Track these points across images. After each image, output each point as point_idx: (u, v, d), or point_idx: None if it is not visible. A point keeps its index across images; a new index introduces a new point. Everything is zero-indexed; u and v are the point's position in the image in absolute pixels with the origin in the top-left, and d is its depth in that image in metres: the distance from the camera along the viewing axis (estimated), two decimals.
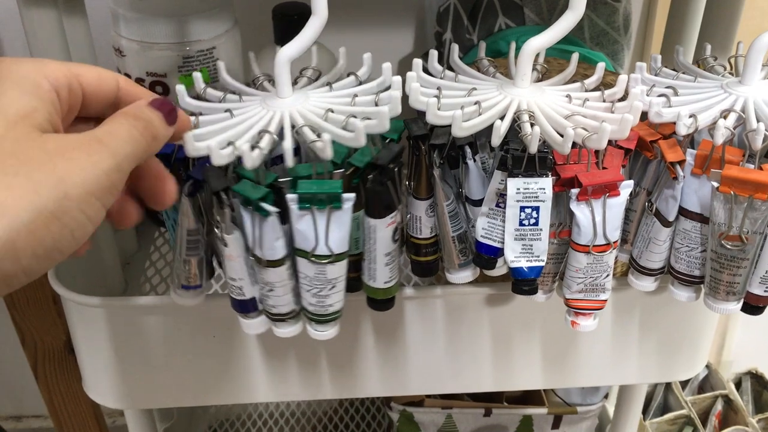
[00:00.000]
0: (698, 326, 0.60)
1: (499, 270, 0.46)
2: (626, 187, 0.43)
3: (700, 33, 0.61)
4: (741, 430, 1.04)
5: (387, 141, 0.44)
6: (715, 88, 0.45)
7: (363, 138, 0.38)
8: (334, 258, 0.41)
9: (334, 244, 0.41)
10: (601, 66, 0.46)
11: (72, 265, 0.58)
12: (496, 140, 0.40)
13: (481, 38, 0.64)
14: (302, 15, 0.54)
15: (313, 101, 0.42)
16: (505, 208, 0.43)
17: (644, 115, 0.43)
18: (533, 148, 0.39)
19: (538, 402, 0.92)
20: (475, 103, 0.41)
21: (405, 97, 0.41)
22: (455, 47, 0.48)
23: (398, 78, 0.41)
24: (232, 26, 0.55)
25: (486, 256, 0.45)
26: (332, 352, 0.57)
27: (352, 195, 0.40)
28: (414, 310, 0.55)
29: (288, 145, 0.38)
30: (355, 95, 0.42)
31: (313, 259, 0.41)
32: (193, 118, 0.39)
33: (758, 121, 0.42)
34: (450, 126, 0.39)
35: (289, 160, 0.38)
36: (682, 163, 0.44)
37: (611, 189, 0.42)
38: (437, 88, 0.43)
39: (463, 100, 0.42)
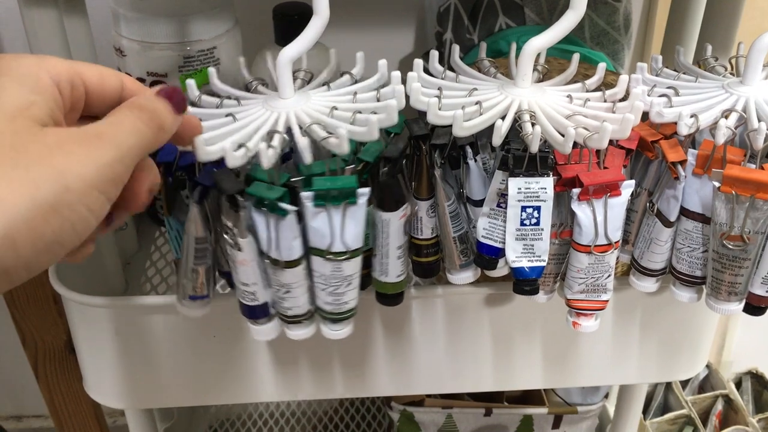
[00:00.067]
0: (698, 326, 0.60)
1: (501, 270, 0.46)
2: (627, 186, 0.43)
3: (700, 33, 0.61)
4: (741, 430, 1.04)
5: (392, 135, 0.44)
6: (716, 88, 0.45)
7: (376, 132, 0.38)
8: (350, 254, 0.41)
9: (350, 239, 0.41)
10: (602, 66, 0.45)
11: (73, 264, 0.57)
12: (497, 140, 0.40)
13: (482, 38, 0.64)
14: (303, 15, 0.54)
15: (315, 101, 0.42)
16: (506, 208, 0.43)
17: (645, 116, 0.43)
18: (534, 148, 0.39)
19: (539, 402, 0.92)
20: (476, 103, 0.41)
21: (405, 96, 0.41)
22: (456, 48, 0.48)
23: (397, 73, 0.41)
24: (232, 26, 0.55)
25: (487, 256, 0.45)
26: (340, 350, 0.57)
27: (367, 189, 0.40)
28: (415, 310, 0.55)
29: (304, 142, 0.38)
30: (355, 93, 0.42)
31: (329, 256, 0.41)
32: None
33: (759, 120, 0.42)
34: (451, 126, 0.39)
35: (307, 157, 0.38)
36: (683, 163, 0.44)
37: (612, 189, 0.42)
38: (438, 89, 0.43)
39: (464, 100, 0.42)
